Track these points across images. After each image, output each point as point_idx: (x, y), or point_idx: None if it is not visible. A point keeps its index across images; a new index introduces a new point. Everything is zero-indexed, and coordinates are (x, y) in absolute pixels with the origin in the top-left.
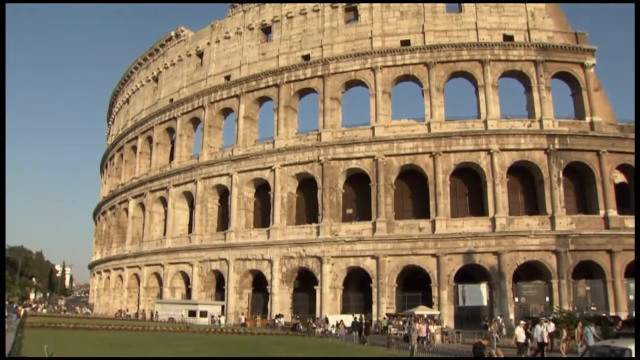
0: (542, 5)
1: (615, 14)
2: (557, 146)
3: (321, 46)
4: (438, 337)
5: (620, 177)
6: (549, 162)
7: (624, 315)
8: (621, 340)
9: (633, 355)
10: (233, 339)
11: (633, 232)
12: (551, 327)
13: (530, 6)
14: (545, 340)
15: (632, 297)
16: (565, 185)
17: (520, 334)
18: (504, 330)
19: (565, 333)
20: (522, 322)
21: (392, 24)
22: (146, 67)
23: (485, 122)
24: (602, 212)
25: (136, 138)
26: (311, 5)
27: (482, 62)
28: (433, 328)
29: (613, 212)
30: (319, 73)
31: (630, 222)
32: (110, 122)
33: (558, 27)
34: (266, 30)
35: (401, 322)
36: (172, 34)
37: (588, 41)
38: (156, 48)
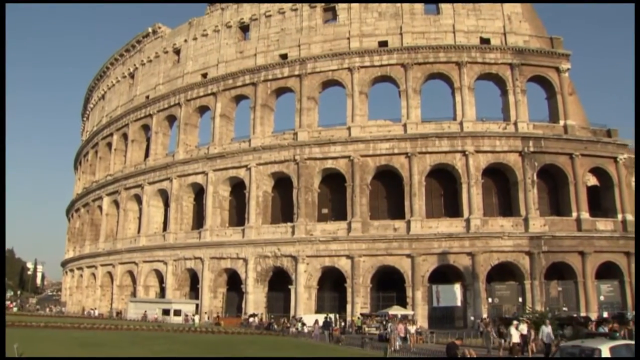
0: (519, 9)
1: (589, 18)
2: (531, 149)
3: (299, 45)
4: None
5: (592, 180)
6: (523, 164)
7: (594, 316)
8: (591, 341)
9: (603, 356)
10: (206, 338)
11: (604, 235)
12: (525, 328)
13: (507, 10)
14: (517, 340)
15: (602, 297)
16: (539, 187)
17: (514, 334)
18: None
19: (533, 333)
20: (515, 322)
21: (370, 24)
22: (122, 63)
23: (461, 123)
24: (574, 214)
25: (111, 135)
26: (289, 4)
27: (459, 64)
28: (412, 328)
29: (585, 215)
30: (296, 72)
31: (601, 224)
32: (85, 119)
33: (534, 32)
34: (244, 28)
35: (376, 322)
36: (149, 30)
37: (563, 46)
38: (133, 44)
